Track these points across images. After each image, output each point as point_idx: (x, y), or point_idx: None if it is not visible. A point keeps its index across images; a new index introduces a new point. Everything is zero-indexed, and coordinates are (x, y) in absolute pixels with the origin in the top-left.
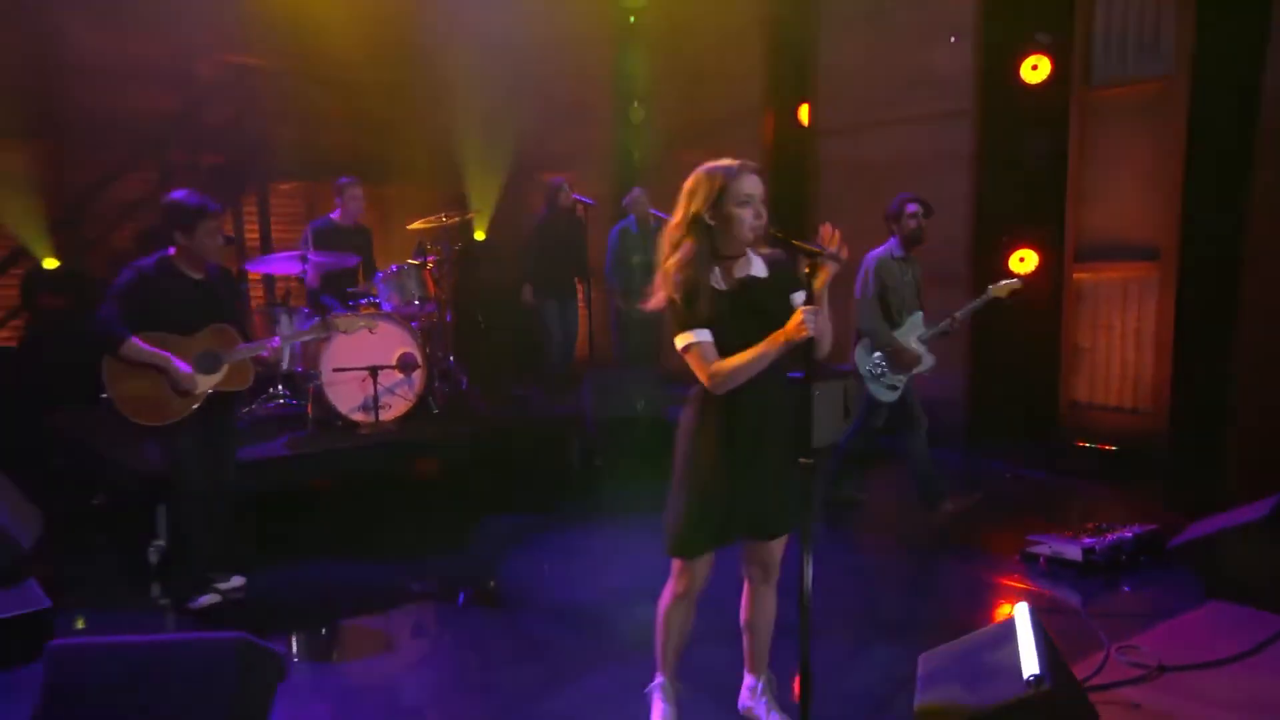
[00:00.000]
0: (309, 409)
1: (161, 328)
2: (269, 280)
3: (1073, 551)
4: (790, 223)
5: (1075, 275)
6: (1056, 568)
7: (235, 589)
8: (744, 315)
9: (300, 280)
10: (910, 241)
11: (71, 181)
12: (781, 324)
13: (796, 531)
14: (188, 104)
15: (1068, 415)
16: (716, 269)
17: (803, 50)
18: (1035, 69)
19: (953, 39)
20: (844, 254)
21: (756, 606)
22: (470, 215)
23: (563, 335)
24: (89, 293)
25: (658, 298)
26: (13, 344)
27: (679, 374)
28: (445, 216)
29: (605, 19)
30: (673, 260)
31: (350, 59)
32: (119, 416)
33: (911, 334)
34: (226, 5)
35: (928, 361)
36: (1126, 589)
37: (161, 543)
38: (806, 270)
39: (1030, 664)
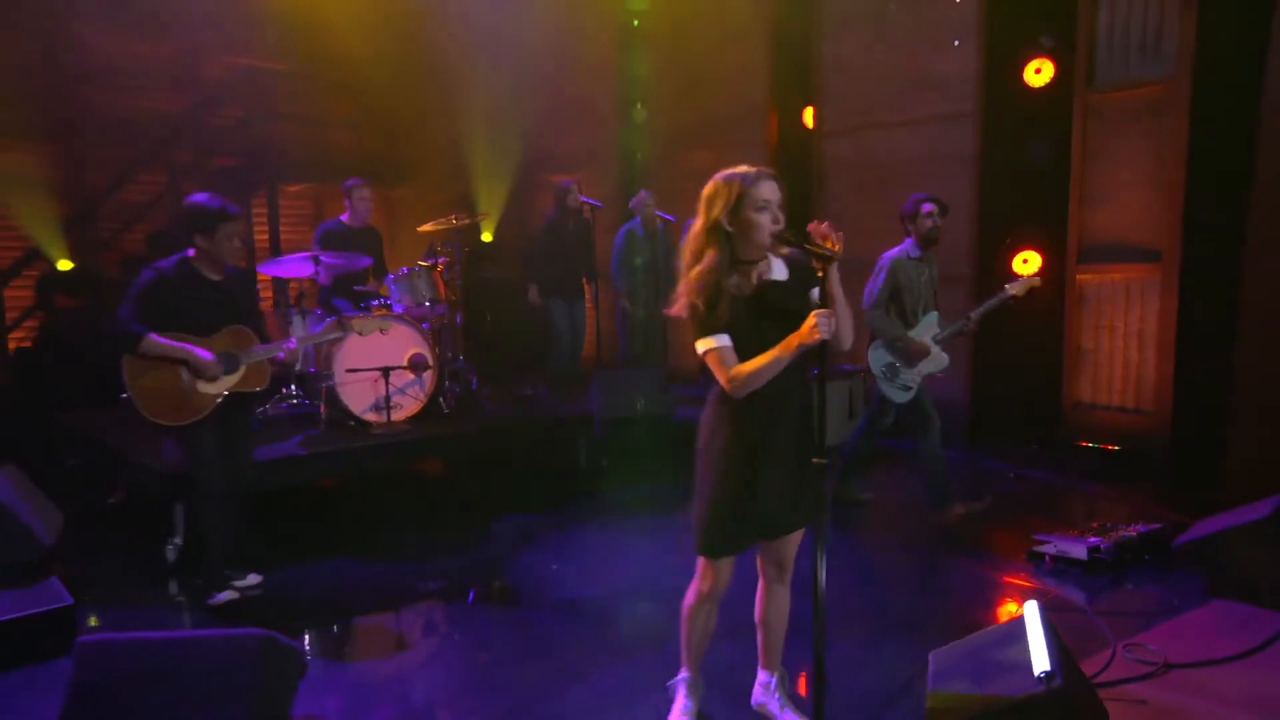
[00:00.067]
0: (322, 409)
1: (180, 329)
2: (278, 282)
3: (1078, 550)
4: (794, 224)
5: (1078, 276)
6: (1062, 566)
7: (252, 586)
8: (764, 318)
9: (313, 281)
10: (927, 241)
11: (84, 183)
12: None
13: (809, 530)
14: (197, 106)
15: (1070, 415)
16: (736, 274)
17: (805, 52)
18: (1038, 72)
19: (956, 43)
20: (836, 247)
21: (771, 603)
22: (480, 217)
23: (570, 335)
24: (102, 293)
25: (680, 304)
26: (28, 344)
27: (684, 374)
28: (455, 218)
29: (608, 22)
30: (696, 269)
31: (359, 62)
32: (139, 416)
33: (926, 333)
34: (235, 9)
35: (942, 361)
36: (1131, 587)
37: (179, 541)
38: (820, 273)
39: (1041, 661)
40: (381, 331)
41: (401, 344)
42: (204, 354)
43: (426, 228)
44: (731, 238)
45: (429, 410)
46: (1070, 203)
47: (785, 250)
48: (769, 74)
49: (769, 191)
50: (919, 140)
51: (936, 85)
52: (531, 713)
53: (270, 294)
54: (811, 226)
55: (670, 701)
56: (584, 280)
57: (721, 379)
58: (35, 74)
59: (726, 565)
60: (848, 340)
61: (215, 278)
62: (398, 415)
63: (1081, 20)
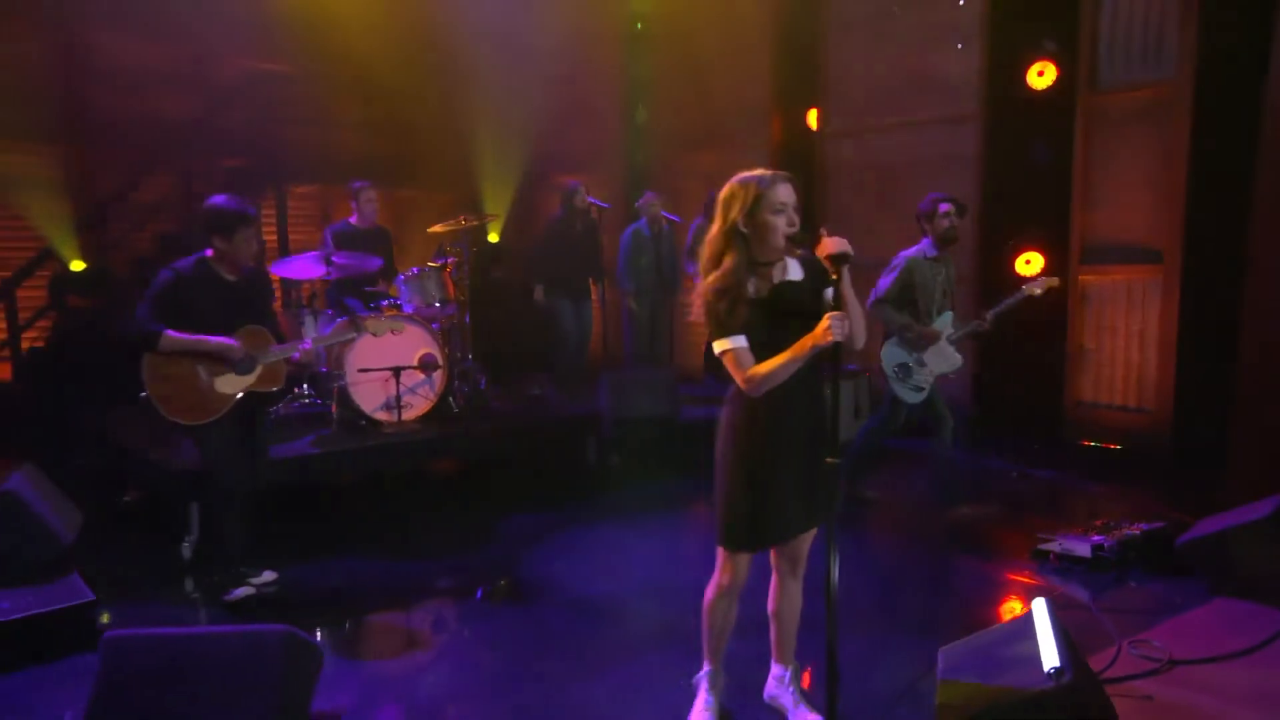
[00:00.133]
0: (334, 408)
1: (197, 329)
2: (287, 282)
3: (1082, 548)
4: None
5: (1080, 277)
6: (1066, 564)
7: (267, 583)
8: (780, 319)
9: (325, 282)
10: (944, 241)
11: (96, 184)
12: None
13: (821, 528)
14: (208, 108)
15: (1072, 415)
16: (754, 277)
17: (809, 54)
18: (1041, 74)
19: (959, 45)
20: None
21: (784, 597)
22: (488, 218)
23: (577, 335)
24: (114, 293)
25: (698, 306)
26: (41, 344)
27: (690, 374)
28: (464, 219)
29: (614, 25)
30: (715, 274)
31: (367, 64)
32: (158, 415)
33: (941, 333)
34: (246, 11)
35: (955, 361)
36: (1134, 585)
37: (195, 538)
38: (833, 275)
39: (1051, 657)
40: (394, 332)
41: (412, 344)
42: (225, 339)
43: (436, 229)
44: (748, 240)
45: (439, 410)
46: (1072, 204)
47: (799, 251)
48: (773, 76)
49: (785, 194)
50: (922, 142)
51: (939, 87)
52: (545, 709)
53: (280, 294)
54: (823, 235)
55: (692, 696)
56: (590, 280)
57: (739, 379)
58: (47, 77)
59: (745, 560)
60: (860, 341)
61: (232, 279)
62: (408, 415)
63: (1084, 23)
